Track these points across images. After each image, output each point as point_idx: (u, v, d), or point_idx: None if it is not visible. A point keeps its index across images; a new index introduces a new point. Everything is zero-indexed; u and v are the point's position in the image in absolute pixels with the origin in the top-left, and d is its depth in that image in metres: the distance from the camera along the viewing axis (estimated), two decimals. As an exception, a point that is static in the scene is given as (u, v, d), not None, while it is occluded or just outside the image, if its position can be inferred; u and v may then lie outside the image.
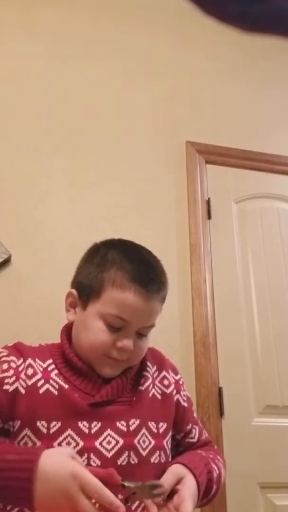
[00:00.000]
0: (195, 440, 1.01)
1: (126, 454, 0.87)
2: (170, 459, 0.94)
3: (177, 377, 1.04)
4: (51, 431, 0.85)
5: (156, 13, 2.51)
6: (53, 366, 0.92)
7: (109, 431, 0.88)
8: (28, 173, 1.99)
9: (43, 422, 0.85)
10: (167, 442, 0.95)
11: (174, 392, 1.00)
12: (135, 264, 0.92)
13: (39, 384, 0.89)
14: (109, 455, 0.86)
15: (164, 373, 1.01)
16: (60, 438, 0.85)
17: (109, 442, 0.87)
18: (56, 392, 0.88)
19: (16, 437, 0.85)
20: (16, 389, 0.87)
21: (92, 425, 0.87)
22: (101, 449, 0.86)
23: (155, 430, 0.93)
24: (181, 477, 0.86)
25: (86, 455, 0.84)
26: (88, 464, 0.83)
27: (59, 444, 0.84)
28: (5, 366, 0.89)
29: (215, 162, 2.29)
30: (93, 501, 0.71)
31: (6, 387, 0.87)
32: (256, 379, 1.93)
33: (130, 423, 0.90)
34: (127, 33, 2.43)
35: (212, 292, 2.01)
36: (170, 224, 2.08)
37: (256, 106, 2.50)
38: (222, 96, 2.47)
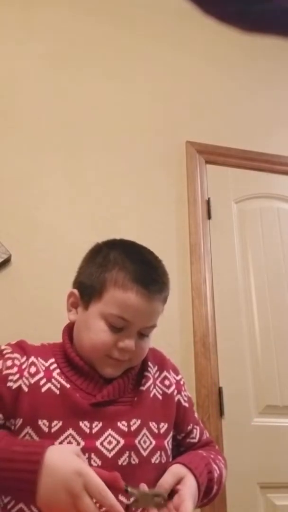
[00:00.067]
0: (196, 440, 1.01)
1: (126, 454, 0.87)
2: (171, 460, 0.94)
3: (178, 377, 1.04)
4: (53, 430, 0.85)
5: (156, 13, 2.51)
6: (55, 365, 0.92)
7: (110, 431, 0.87)
8: (28, 173, 1.99)
9: (45, 421, 0.85)
10: (168, 443, 0.95)
11: (175, 392, 1.00)
12: (137, 265, 0.92)
13: (41, 382, 0.89)
14: (109, 455, 0.86)
15: (165, 373, 1.01)
16: (61, 438, 0.85)
17: (110, 442, 0.87)
18: (57, 391, 0.88)
19: (17, 435, 0.85)
20: (20, 386, 0.87)
21: (93, 425, 0.87)
22: (102, 449, 0.86)
23: (156, 431, 0.92)
24: (181, 477, 0.86)
25: (87, 455, 0.83)
26: (89, 464, 0.83)
27: (60, 444, 0.84)
28: (9, 363, 0.89)
29: (215, 162, 2.29)
30: (94, 501, 0.71)
31: (10, 384, 0.86)
32: (256, 379, 1.93)
33: (131, 423, 0.90)
34: (127, 33, 2.43)
35: (212, 292, 2.01)
36: (170, 224, 2.08)
37: (256, 106, 2.50)
38: (222, 96, 2.47)
